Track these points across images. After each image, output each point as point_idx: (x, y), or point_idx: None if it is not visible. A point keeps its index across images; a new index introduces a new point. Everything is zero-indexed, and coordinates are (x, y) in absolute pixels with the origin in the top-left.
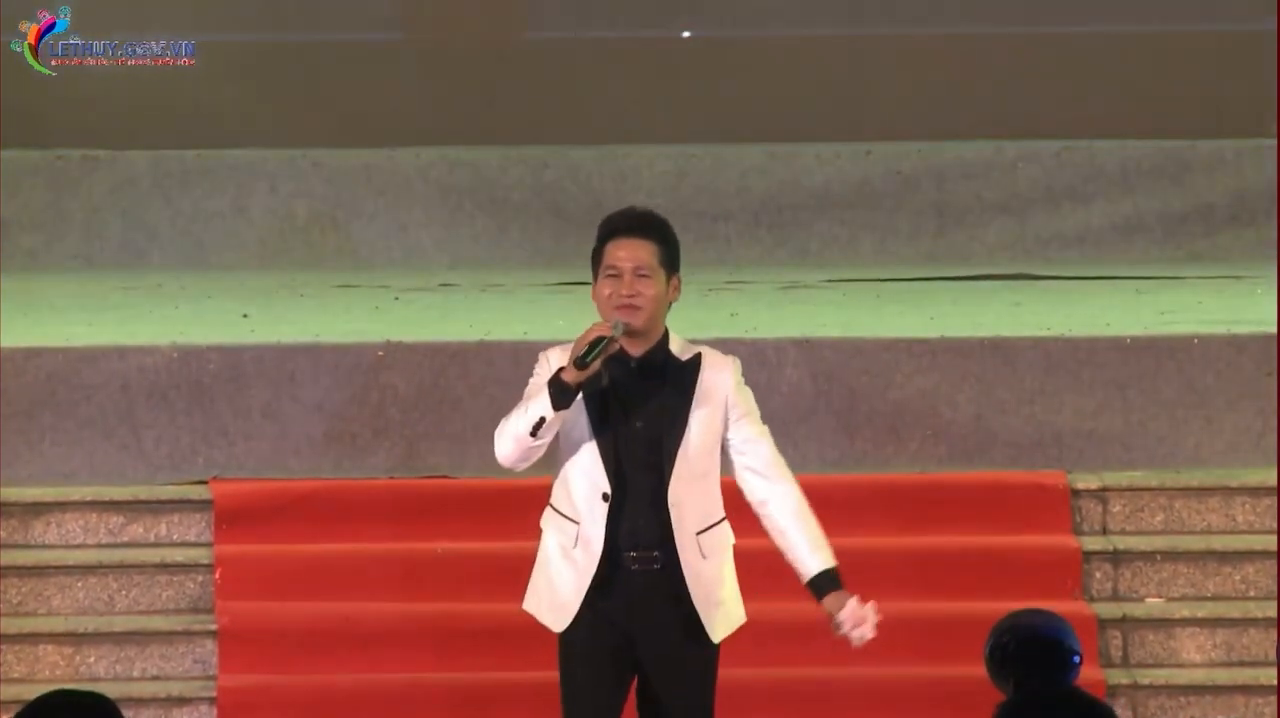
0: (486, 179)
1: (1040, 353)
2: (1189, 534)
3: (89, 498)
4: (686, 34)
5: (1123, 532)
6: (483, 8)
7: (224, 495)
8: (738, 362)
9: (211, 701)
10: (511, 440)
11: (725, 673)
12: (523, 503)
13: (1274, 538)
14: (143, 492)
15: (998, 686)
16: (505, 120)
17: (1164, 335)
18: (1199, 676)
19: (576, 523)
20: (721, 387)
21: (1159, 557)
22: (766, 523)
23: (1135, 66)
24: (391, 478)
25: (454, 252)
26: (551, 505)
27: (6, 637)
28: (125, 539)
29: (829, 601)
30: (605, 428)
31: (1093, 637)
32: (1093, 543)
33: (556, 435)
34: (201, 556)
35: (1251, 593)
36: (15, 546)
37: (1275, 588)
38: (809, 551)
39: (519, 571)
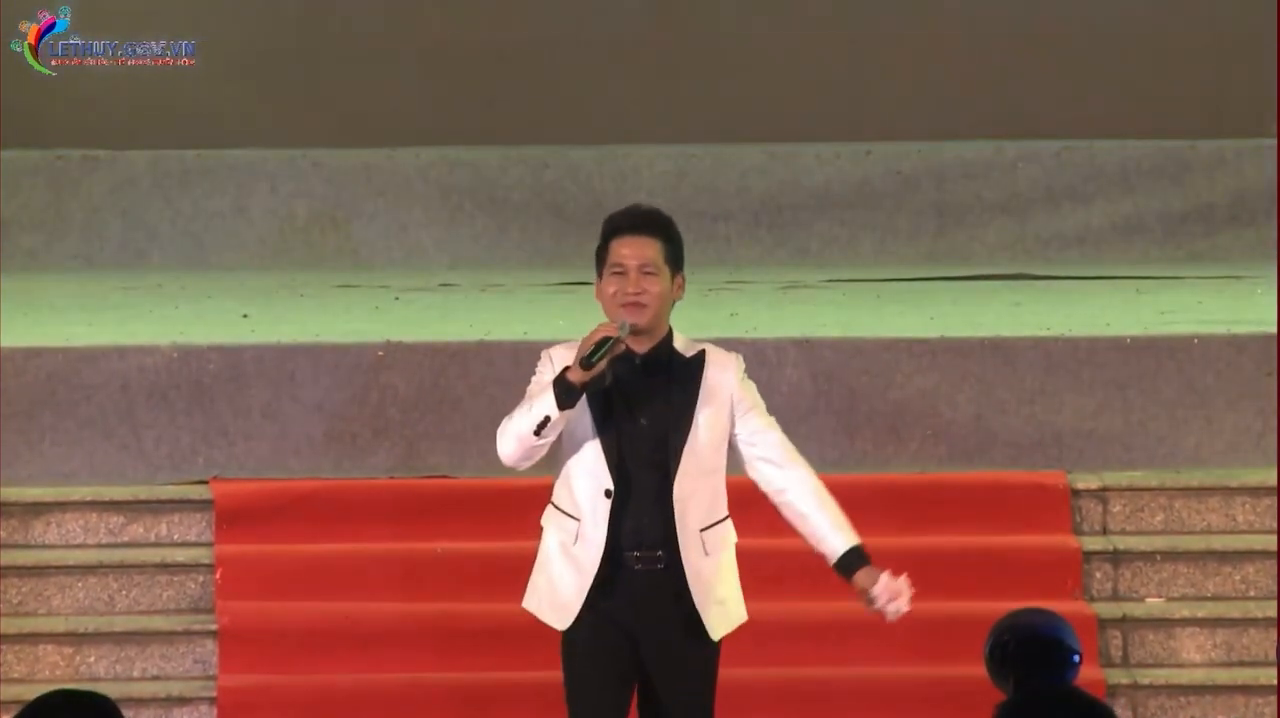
0: (486, 179)
1: (1040, 353)
2: (1189, 534)
3: (89, 498)
4: (686, 34)
5: (1123, 532)
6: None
7: (224, 495)
8: (741, 358)
9: (211, 701)
10: (514, 439)
11: (726, 672)
12: (523, 503)
13: (1274, 538)
14: (143, 492)
15: (998, 685)
16: (505, 120)
17: (1164, 335)
18: (1199, 676)
19: (578, 520)
20: (726, 383)
21: (1159, 557)
22: (786, 511)
23: (1135, 66)
24: (391, 478)
25: (454, 252)
26: (553, 503)
27: (6, 637)
28: (125, 539)
29: (860, 576)
30: (609, 425)
31: (1093, 637)
32: (1093, 543)
33: (559, 433)
34: (202, 555)
35: (1251, 593)
36: (15, 546)
37: (1275, 588)
38: (833, 530)
39: (519, 570)
